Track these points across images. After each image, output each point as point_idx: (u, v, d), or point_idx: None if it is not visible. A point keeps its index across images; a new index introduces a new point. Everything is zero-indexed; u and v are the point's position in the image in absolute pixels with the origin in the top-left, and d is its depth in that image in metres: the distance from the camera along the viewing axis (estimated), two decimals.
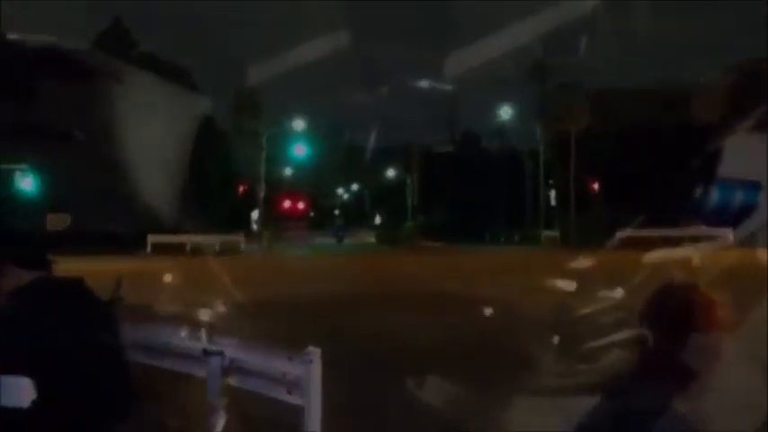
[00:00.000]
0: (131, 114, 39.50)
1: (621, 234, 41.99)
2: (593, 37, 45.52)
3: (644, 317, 2.43)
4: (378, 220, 65.63)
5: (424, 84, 54.19)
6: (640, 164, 43.79)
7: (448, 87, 53.26)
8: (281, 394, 6.71)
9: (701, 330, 2.35)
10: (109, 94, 40.50)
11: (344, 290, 21.02)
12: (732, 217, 31.77)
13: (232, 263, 33.18)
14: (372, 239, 58.02)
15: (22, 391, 2.99)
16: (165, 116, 41.03)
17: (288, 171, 62.88)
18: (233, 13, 48.33)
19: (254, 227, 52.45)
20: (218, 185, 45.45)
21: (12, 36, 39.74)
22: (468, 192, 55.16)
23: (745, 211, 34.60)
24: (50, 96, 39.25)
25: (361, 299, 19.03)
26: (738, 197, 37.94)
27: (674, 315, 2.37)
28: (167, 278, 20.51)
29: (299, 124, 52.98)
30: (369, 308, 17.43)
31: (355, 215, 68.79)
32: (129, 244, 37.67)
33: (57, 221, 40.08)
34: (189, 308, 11.39)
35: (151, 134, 39.69)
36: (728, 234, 39.97)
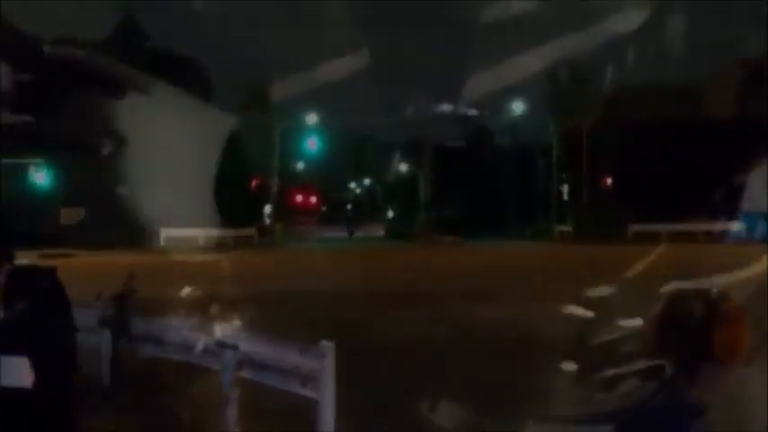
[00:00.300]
0: (158, 126, 40.32)
1: (634, 229, 42.01)
2: (621, 64, 45.46)
3: (658, 346, 2.38)
4: (390, 214, 65.64)
5: (446, 108, 54.22)
6: (652, 160, 43.61)
7: (472, 112, 53.39)
8: (295, 387, 6.77)
9: (718, 361, 2.27)
10: (136, 106, 41.21)
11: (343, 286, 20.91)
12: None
13: (244, 257, 33.30)
14: (382, 233, 58.41)
15: (21, 372, 3.10)
16: (190, 129, 41.82)
17: (300, 165, 62.94)
18: (233, 11, 48.44)
19: (267, 221, 52.57)
20: (232, 182, 45.63)
21: (44, 47, 40.30)
22: (480, 187, 55.09)
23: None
24: (78, 107, 39.78)
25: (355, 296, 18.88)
26: (761, 229, 38.04)
27: (691, 344, 2.29)
28: (179, 272, 20.61)
29: (311, 118, 52.97)
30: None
31: (367, 209, 68.81)
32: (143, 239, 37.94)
33: (71, 215, 40.41)
34: (202, 302, 11.43)
35: (175, 145, 40.44)
36: (739, 229, 39.86)
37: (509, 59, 42.11)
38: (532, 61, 44.39)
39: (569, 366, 4.65)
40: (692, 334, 2.29)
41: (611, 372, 2.51)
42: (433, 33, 55.67)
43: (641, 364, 2.35)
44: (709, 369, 2.24)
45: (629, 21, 40.15)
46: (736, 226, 39.61)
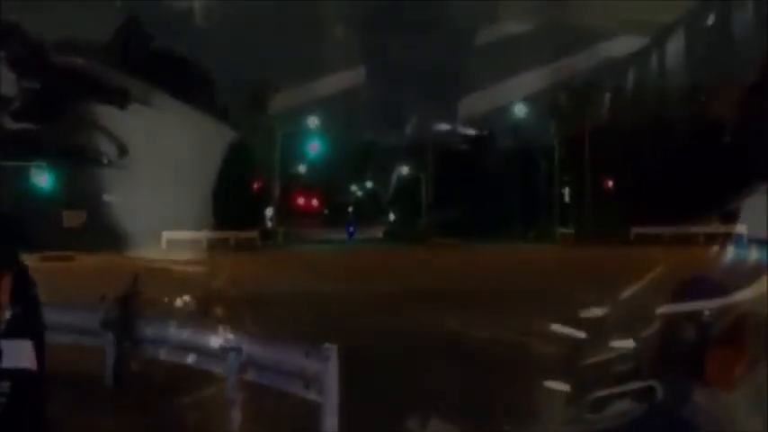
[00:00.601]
0: (159, 130, 40.65)
1: (635, 231, 41.99)
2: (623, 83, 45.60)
3: (652, 367, 2.35)
4: (392, 216, 65.69)
5: (444, 127, 54.53)
6: (654, 162, 43.63)
7: (471, 132, 53.73)
8: (299, 390, 6.77)
9: (710, 384, 2.26)
10: (137, 111, 41.48)
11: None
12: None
13: (245, 259, 33.30)
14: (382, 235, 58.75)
15: (23, 354, 3.20)
16: (191, 133, 42.18)
17: (302, 168, 62.96)
18: (236, 11, 48.85)
19: (269, 223, 52.59)
20: (234, 185, 45.72)
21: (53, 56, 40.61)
22: (481, 189, 55.06)
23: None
24: (80, 113, 39.97)
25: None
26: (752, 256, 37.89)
27: (683, 367, 2.26)
28: (181, 274, 20.64)
29: (313, 121, 53.04)
30: None
31: (369, 211, 68.79)
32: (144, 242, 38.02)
33: (73, 218, 40.45)
34: (205, 304, 11.43)
35: (177, 149, 40.79)
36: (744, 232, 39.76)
37: (510, 79, 42.36)
38: (534, 80, 44.60)
39: (559, 386, 4.62)
40: (685, 356, 2.28)
41: (601, 393, 2.50)
42: (436, 49, 56.07)
43: (632, 386, 2.34)
44: (703, 392, 2.23)
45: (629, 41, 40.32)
46: (738, 228, 39.53)
